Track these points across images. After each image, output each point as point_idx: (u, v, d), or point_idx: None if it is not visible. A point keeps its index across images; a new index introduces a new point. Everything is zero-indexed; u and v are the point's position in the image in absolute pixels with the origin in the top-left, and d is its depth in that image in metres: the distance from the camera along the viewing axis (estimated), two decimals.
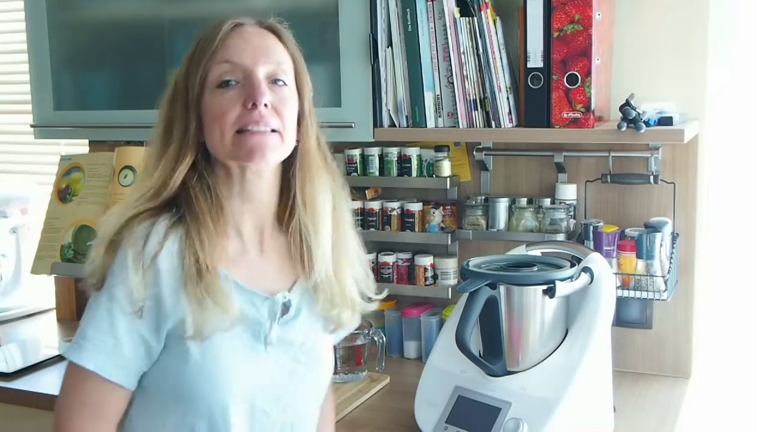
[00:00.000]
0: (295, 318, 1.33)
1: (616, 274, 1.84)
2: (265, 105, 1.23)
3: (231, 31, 1.26)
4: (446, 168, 2.10)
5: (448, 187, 2.12)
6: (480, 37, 1.83)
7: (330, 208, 1.34)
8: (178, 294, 1.20)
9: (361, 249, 1.43)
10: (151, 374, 1.24)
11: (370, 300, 1.42)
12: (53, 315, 2.61)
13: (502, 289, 1.58)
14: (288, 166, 1.31)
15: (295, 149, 1.31)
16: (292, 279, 1.35)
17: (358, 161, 2.19)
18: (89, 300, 1.24)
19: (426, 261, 2.16)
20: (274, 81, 1.26)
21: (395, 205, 2.18)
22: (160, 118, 1.29)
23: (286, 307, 1.32)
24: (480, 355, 1.61)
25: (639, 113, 1.71)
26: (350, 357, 2.02)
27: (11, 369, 2.06)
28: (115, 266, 1.20)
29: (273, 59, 1.26)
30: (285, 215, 1.33)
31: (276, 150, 1.25)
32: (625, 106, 1.73)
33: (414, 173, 2.15)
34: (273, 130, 1.24)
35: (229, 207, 1.27)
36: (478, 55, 1.84)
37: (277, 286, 1.32)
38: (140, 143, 2.23)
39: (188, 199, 1.23)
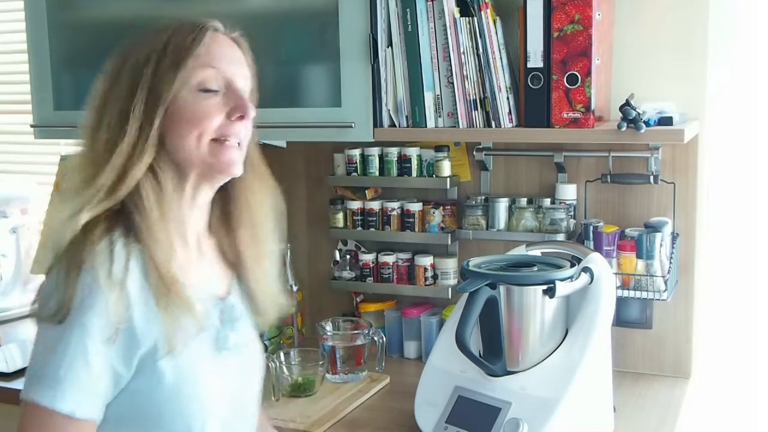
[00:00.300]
0: (240, 320, 1.32)
1: (616, 274, 1.84)
2: (249, 119, 1.25)
3: (210, 35, 1.25)
4: (446, 168, 2.10)
5: (448, 187, 2.12)
6: (480, 37, 1.83)
7: (265, 210, 1.36)
8: (149, 314, 1.14)
9: (276, 245, 1.42)
10: (116, 403, 1.16)
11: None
12: None
13: (502, 289, 1.58)
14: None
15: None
16: (228, 280, 1.35)
17: (358, 161, 2.19)
18: (43, 333, 1.13)
19: (426, 261, 2.16)
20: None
21: (395, 205, 2.18)
22: (109, 105, 1.20)
23: (232, 310, 1.31)
24: (480, 355, 1.61)
25: (639, 113, 1.71)
26: (350, 357, 2.02)
27: (11, 369, 2.06)
28: (84, 292, 1.10)
29: (245, 73, 1.28)
30: (218, 218, 1.33)
31: (242, 162, 1.26)
32: (625, 106, 1.73)
33: (414, 173, 2.15)
34: (238, 143, 1.25)
35: (178, 214, 1.24)
36: (478, 55, 1.84)
37: (220, 290, 1.32)
38: None
39: (140, 205, 1.17)
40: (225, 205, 1.33)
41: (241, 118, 1.23)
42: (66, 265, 1.12)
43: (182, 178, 1.23)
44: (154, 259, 1.16)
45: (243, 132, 1.24)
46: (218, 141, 1.22)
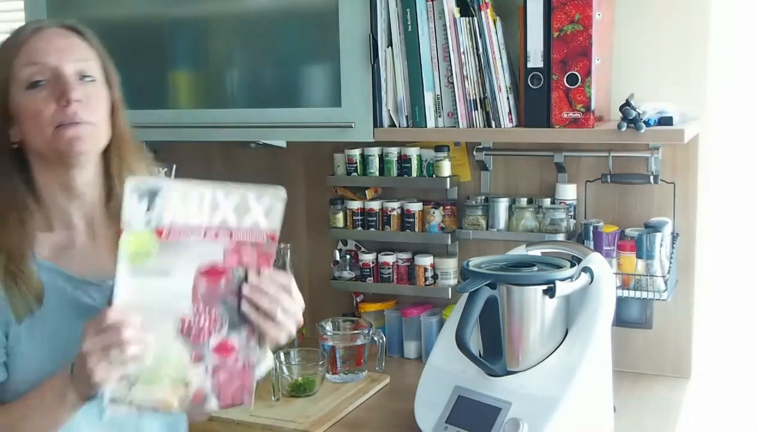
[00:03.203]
0: None
1: (616, 274, 1.84)
2: (78, 101, 1.28)
3: (32, 35, 1.31)
4: (446, 168, 2.10)
5: (448, 187, 2.12)
6: (480, 37, 1.83)
7: None
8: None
9: None
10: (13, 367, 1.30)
11: None
12: None
13: (502, 289, 1.58)
14: (107, 157, 1.38)
15: (112, 135, 1.37)
16: None
17: (358, 161, 2.19)
18: None
19: (426, 261, 2.16)
20: (81, 77, 1.32)
21: (395, 205, 2.18)
22: None
23: None
24: (480, 355, 1.61)
25: (639, 113, 1.71)
26: (350, 357, 2.02)
27: None
28: None
29: (78, 56, 1.32)
30: (111, 195, 1.38)
31: (92, 139, 1.31)
32: (625, 106, 1.73)
33: (414, 173, 2.15)
34: (87, 123, 1.30)
35: (52, 202, 1.34)
36: (478, 55, 1.84)
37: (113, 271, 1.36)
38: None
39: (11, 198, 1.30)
40: (113, 187, 1.39)
41: (68, 102, 1.27)
42: None
43: (48, 169, 1.33)
44: (4, 245, 1.28)
45: (81, 112, 1.29)
46: (60, 127, 1.28)
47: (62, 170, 1.32)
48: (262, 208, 1.20)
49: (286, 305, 1.23)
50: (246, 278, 1.21)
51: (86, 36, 1.37)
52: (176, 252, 1.17)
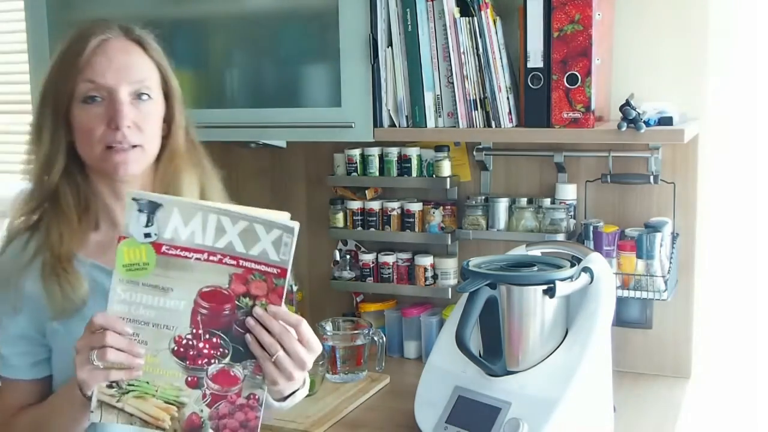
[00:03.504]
0: None
1: (616, 274, 1.84)
2: (128, 126, 1.30)
3: (96, 49, 1.32)
4: (446, 168, 2.10)
5: (448, 187, 2.12)
6: (480, 37, 1.83)
7: (196, 192, 1.41)
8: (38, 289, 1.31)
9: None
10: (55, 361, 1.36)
11: None
12: None
13: (502, 289, 1.58)
14: (158, 166, 1.40)
15: (165, 146, 1.39)
16: None
17: (358, 161, 2.19)
18: None
19: (426, 261, 2.16)
20: (138, 96, 1.33)
21: (395, 205, 2.18)
22: (33, 120, 1.37)
23: None
24: (480, 355, 1.61)
25: (639, 113, 1.71)
26: (350, 357, 2.02)
27: None
28: None
29: (136, 77, 1.33)
30: None
31: (138, 162, 1.33)
32: (625, 106, 1.73)
33: (414, 173, 2.15)
34: (135, 146, 1.32)
35: (101, 203, 1.37)
36: (478, 55, 1.84)
37: None
38: None
39: (56, 199, 1.34)
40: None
41: (117, 128, 1.29)
42: None
43: (94, 175, 1.36)
44: (49, 242, 1.32)
45: (130, 136, 1.31)
46: (109, 147, 1.31)
47: (111, 180, 1.36)
48: (271, 239, 1.16)
49: (290, 347, 1.18)
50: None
51: (148, 49, 1.37)
52: (177, 269, 1.16)
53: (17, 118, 2.97)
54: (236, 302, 1.17)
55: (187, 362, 1.17)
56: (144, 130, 1.33)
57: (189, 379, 1.18)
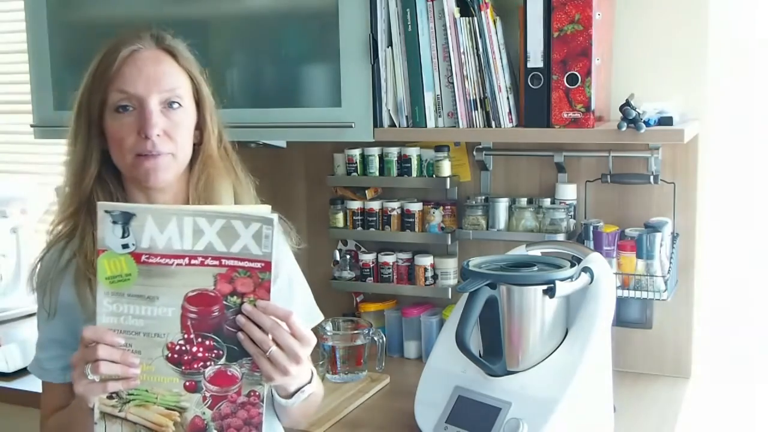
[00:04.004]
0: None
1: (616, 274, 1.84)
2: (158, 135, 1.33)
3: (128, 58, 1.34)
4: (446, 168, 2.10)
5: (448, 187, 2.12)
6: (480, 37, 1.83)
7: (230, 200, 1.43)
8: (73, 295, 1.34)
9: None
10: None
11: None
12: None
13: (502, 289, 1.58)
14: (191, 173, 1.42)
15: (197, 153, 1.41)
16: None
17: (358, 161, 2.19)
18: None
19: (426, 261, 2.16)
20: (169, 105, 1.36)
21: (395, 205, 2.18)
22: (69, 128, 1.40)
23: None
24: (480, 355, 1.61)
25: (639, 113, 1.71)
26: (350, 357, 2.02)
27: (11, 369, 2.06)
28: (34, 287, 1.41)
29: (167, 86, 1.36)
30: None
31: (168, 169, 1.36)
32: (625, 106, 1.73)
33: (414, 173, 2.15)
34: (165, 153, 1.34)
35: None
36: (478, 55, 1.84)
37: None
38: None
39: (91, 206, 1.32)
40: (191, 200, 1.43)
41: (147, 138, 1.32)
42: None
43: (128, 182, 1.40)
44: (83, 248, 1.34)
45: (160, 145, 1.33)
46: (140, 155, 1.34)
47: (144, 188, 1.38)
48: (251, 233, 1.16)
49: (283, 341, 1.18)
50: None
51: (179, 58, 1.39)
52: (159, 277, 1.16)
53: (17, 118, 2.96)
54: (224, 302, 1.17)
55: (183, 367, 1.17)
56: (174, 138, 1.35)
57: (187, 383, 1.18)
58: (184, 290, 1.16)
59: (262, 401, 1.21)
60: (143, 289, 1.16)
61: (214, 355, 1.18)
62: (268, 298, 1.17)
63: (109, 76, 1.33)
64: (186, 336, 1.17)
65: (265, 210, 1.18)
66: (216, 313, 1.17)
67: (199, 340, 1.17)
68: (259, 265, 1.16)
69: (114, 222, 1.15)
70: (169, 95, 1.35)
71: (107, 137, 1.35)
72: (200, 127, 1.41)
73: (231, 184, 1.44)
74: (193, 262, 1.16)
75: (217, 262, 1.16)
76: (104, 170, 1.38)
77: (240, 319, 1.17)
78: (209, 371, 1.18)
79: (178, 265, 1.16)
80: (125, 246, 1.15)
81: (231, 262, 1.16)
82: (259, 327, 1.17)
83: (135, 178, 1.36)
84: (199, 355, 1.17)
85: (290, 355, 1.19)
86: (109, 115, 1.34)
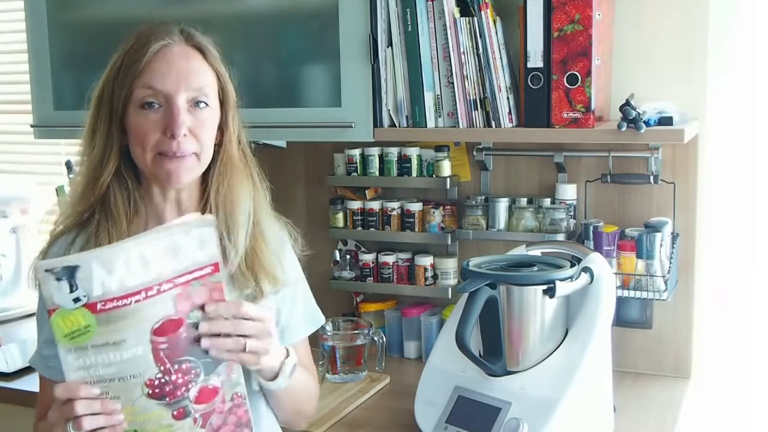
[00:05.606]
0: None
1: (616, 274, 1.84)
2: (184, 135, 1.30)
3: (157, 53, 1.30)
4: (446, 168, 2.10)
5: (448, 187, 2.12)
6: (480, 37, 1.83)
7: (249, 206, 1.39)
8: None
9: (284, 240, 1.47)
10: None
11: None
12: None
13: (502, 289, 1.58)
14: (209, 173, 1.38)
15: (217, 153, 1.38)
16: None
17: (358, 161, 2.19)
18: None
19: (426, 261, 2.16)
20: (195, 104, 1.32)
21: (395, 205, 2.18)
22: (87, 121, 1.35)
23: None
24: (480, 355, 1.61)
25: (639, 113, 1.71)
26: (350, 357, 2.02)
27: (11, 369, 2.06)
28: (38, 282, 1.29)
29: (195, 84, 1.32)
30: (206, 209, 1.38)
31: (192, 171, 1.34)
32: (625, 106, 1.73)
33: (414, 173, 2.15)
34: (189, 155, 1.32)
35: (152, 206, 1.38)
36: (478, 55, 1.84)
37: None
38: None
39: (107, 201, 1.33)
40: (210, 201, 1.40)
41: (173, 136, 1.29)
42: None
43: (146, 180, 1.37)
44: (96, 243, 1.30)
45: (185, 145, 1.30)
46: (162, 154, 1.30)
47: (161, 185, 1.36)
48: (194, 241, 1.13)
49: (248, 330, 1.19)
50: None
51: (208, 56, 1.36)
52: (120, 319, 1.11)
53: (17, 118, 2.96)
54: (187, 320, 1.14)
55: (168, 399, 1.15)
56: (200, 137, 1.32)
57: (175, 413, 1.16)
58: (149, 325, 1.12)
59: (245, 398, 1.20)
60: (107, 337, 1.12)
61: (193, 375, 1.16)
62: (224, 299, 1.16)
63: (136, 70, 1.29)
64: (162, 368, 1.14)
65: (197, 215, 1.18)
66: (184, 335, 1.14)
67: (176, 366, 1.15)
68: (209, 269, 1.15)
69: (58, 279, 1.08)
70: (196, 94, 1.32)
71: (129, 133, 1.31)
72: (222, 126, 1.38)
73: (250, 196, 1.40)
74: (149, 293, 1.12)
75: (171, 284, 1.13)
76: (122, 166, 1.34)
77: (202, 327, 1.15)
78: (192, 393, 1.16)
79: (136, 302, 1.12)
80: (76, 300, 1.09)
81: (183, 279, 1.14)
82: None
83: (154, 176, 1.33)
84: (180, 381, 1.15)
85: (263, 338, 1.21)
86: (133, 111, 1.30)
